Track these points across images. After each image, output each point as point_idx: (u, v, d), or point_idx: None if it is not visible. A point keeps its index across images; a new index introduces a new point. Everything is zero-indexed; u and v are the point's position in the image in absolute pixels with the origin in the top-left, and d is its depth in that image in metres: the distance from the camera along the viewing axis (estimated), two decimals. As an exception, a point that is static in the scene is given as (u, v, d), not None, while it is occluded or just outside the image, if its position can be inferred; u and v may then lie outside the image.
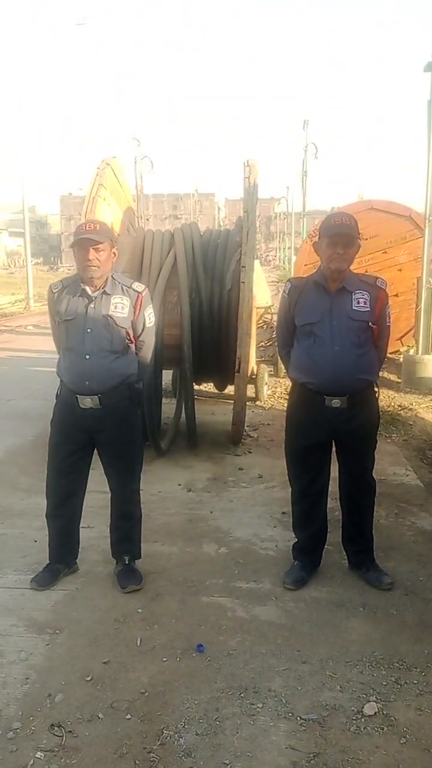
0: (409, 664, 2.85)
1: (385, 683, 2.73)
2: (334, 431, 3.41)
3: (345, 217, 3.32)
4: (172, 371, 7.18)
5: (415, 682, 2.74)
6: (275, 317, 7.72)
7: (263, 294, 9.78)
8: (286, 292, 3.47)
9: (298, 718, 2.53)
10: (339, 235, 3.22)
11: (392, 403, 7.55)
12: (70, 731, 2.46)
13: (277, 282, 24.54)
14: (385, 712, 2.56)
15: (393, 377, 9.00)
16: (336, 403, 3.31)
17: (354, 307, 3.27)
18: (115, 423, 3.38)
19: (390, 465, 5.37)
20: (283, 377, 8.52)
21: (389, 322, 3.42)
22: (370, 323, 3.30)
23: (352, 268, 3.36)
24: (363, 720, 2.52)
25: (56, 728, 2.47)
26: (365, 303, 3.28)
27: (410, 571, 3.66)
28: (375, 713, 2.55)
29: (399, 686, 2.71)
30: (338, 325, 3.27)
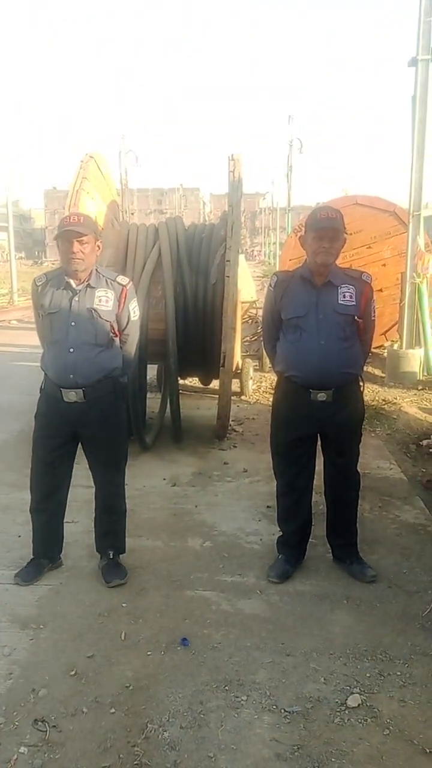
0: (393, 656, 2.87)
1: (368, 675, 2.75)
2: (319, 425, 3.42)
3: (331, 211, 3.32)
4: (157, 366, 7.17)
5: (399, 673, 2.76)
6: (260, 312, 7.73)
7: (248, 288, 9.80)
8: (272, 285, 3.47)
9: (282, 711, 2.54)
10: (325, 229, 3.23)
11: (376, 398, 7.59)
12: (54, 726, 2.45)
13: (262, 277, 24.54)
14: (368, 704, 2.58)
15: (377, 372, 9.04)
16: (321, 396, 3.32)
17: (340, 301, 3.28)
18: (100, 417, 3.36)
19: (374, 459, 5.40)
20: (268, 372, 8.54)
21: (374, 316, 3.44)
22: (355, 317, 3.30)
23: (336, 263, 3.36)
24: (346, 712, 2.54)
25: (40, 723, 2.46)
26: (351, 297, 3.29)
27: (394, 564, 3.69)
28: (358, 705, 2.56)
29: (382, 678, 2.73)
30: (324, 318, 3.28)
